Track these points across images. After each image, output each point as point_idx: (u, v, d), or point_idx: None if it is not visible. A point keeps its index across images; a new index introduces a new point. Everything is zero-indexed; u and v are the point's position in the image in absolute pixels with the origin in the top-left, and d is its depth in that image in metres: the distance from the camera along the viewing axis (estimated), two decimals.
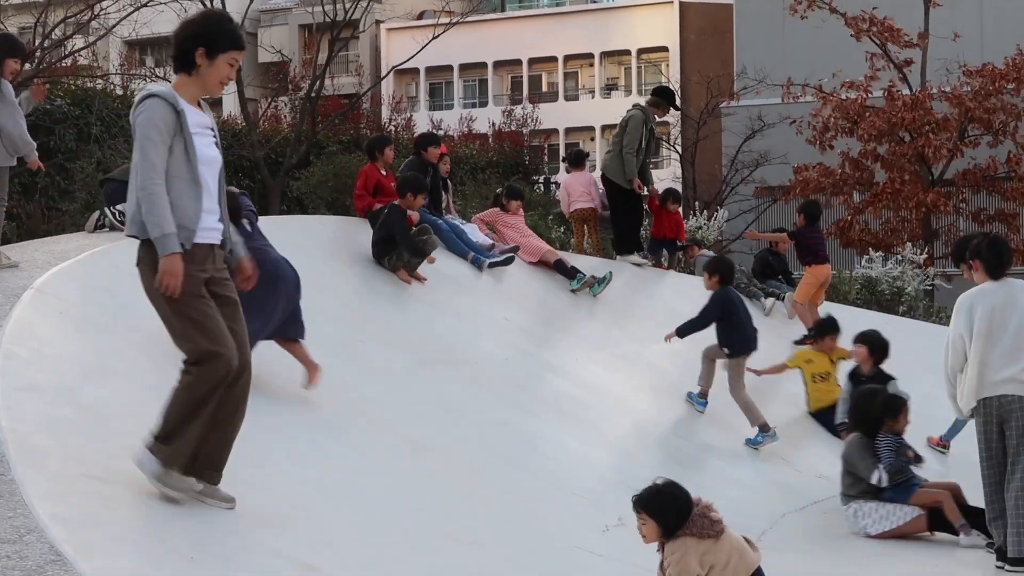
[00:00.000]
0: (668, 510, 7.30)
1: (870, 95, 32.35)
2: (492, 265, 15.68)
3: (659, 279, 18.49)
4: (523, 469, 11.08)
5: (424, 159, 16.50)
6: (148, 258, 7.13)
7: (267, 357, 10.12)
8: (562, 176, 22.52)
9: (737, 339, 13.88)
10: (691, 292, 18.40)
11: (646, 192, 18.37)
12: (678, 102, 19.95)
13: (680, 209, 19.79)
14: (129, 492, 7.19)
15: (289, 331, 10.33)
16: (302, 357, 10.34)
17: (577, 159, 19.55)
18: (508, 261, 15.85)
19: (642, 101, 18.90)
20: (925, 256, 27.05)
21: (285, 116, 32.07)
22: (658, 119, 18.41)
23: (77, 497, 6.87)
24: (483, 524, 9.34)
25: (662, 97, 18.52)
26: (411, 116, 42.46)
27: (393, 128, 31.45)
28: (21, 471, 6.85)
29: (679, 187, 30.28)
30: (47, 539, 6.16)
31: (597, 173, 19.24)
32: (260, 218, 15.03)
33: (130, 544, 6.59)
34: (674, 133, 44.14)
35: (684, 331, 14.09)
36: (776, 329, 17.65)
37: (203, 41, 7.22)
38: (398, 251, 14.22)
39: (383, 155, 16.04)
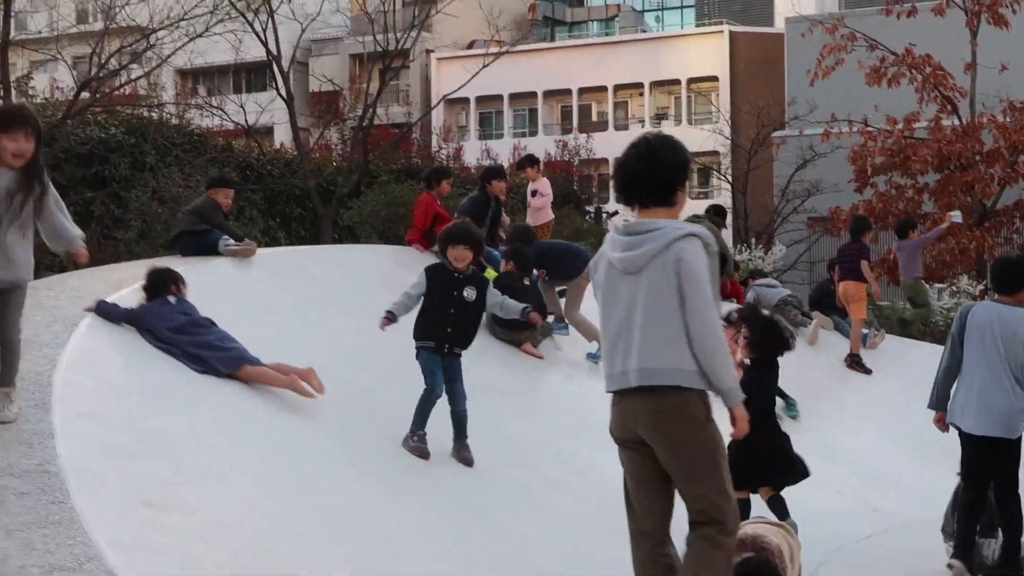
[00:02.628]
0: None
1: (914, 130, 32.18)
2: None
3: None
4: (574, 495, 11.07)
5: (488, 193, 16.61)
6: (695, 409, 6.49)
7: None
8: (611, 206, 22.66)
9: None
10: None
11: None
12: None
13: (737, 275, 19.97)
14: (187, 519, 7.22)
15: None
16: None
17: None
18: (563, 293, 15.86)
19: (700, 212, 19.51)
20: (981, 288, 26.90)
21: (336, 145, 32.21)
22: None
23: (135, 524, 6.90)
24: (536, 549, 9.33)
25: (720, 216, 18.98)
26: (461, 145, 42.60)
27: (444, 158, 31.52)
28: (80, 498, 6.89)
29: (730, 216, 30.25)
30: (106, 566, 6.20)
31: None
32: (311, 247, 15.22)
33: (186, 570, 6.62)
34: (724, 163, 44.08)
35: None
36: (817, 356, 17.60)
37: None
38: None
39: (439, 187, 16.17)
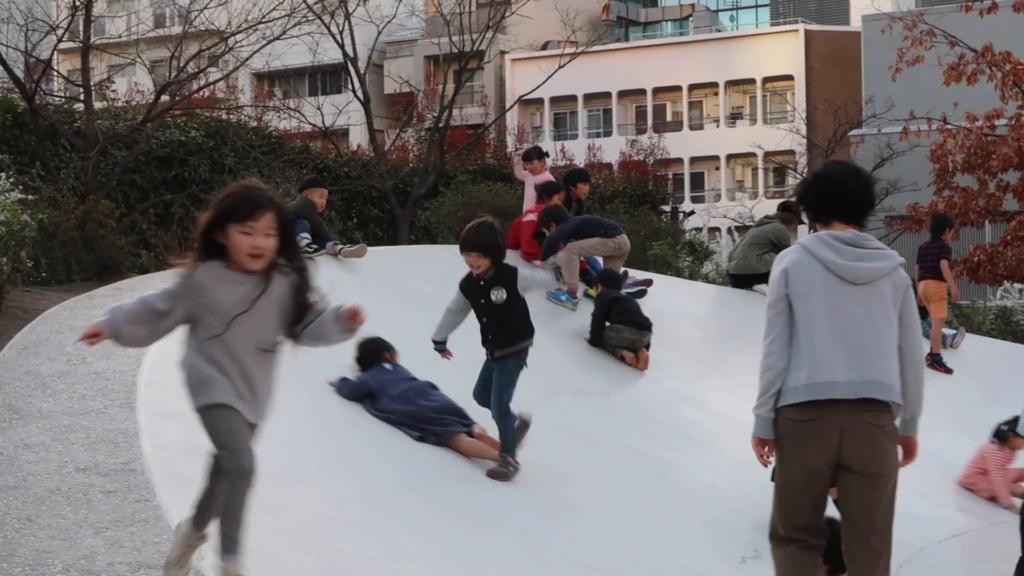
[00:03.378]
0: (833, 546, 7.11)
1: (995, 127, 31.82)
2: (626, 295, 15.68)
3: None
4: (654, 497, 11.03)
5: (573, 195, 16.63)
6: (894, 428, 6.61)
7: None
8: (686, 205, 22.63)
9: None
10: None
11: None
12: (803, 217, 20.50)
13: None
14: (268, 518, 7.26)
15: None
16: None
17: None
18: (641, 294, 15.82)
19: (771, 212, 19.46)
20: None
21: (412, 147, 32.32)
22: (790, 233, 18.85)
23: None
24: (616, 552, 9.30)
25: (794, 213, 18.90)
26: (536, 146, 42.59)
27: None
28: (166, 497, 6.95)
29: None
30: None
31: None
32: (388, 248, 15.28)
33: (270, 570, 6.65)
34: (801, 162, 43.83)
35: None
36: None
37: None
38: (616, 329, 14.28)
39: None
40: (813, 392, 6.40)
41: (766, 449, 6.60)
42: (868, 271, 6.49)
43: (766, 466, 6.70)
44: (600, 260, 16.35)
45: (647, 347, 14.28)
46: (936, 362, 18.29)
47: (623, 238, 15.38)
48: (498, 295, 9.84)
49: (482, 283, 9.91)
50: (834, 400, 6.38)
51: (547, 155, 18.01)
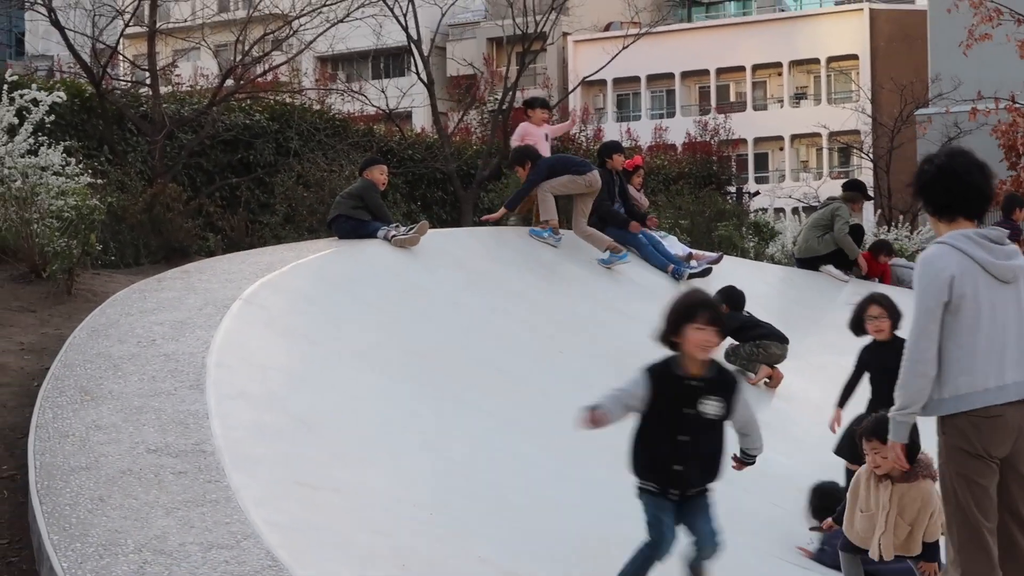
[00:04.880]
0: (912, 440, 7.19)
1: None
2: (692, 276, 15.62)
3: (852, 289, 18.23)
4: (729, 483, 10.97)
5: (609, 167, 16.45)
6: None
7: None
8: (751, 186, 22.53)
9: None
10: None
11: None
12: (870, 193, 20.59)
13: (889, 260, 19.58)
14: (338, 498, 7.28)
15: None
16: None
17: None
18: (706, 272, 15.76)
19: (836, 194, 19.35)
20: None
21: (476, 129, 32.31)
22: (855, 214, 18.75)
23: (290, 503, 6.97)
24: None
25: (857, 191, 18.80)
26: (600, 127, 42.49)
27: (584, 140, 31.44)
28: (236, 478, 6.98)
29: (873, 194, 29.87)
30: (263, 544, 6.27)
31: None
32: (452, 230, 15.28)
33: (341, 550, 6.67)
34: (866, 142, 43.52)
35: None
36: None
37: None
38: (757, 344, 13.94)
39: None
40: (988, 398, 6.33)
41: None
42: (1016, 269, 6.45)
43: (906, 468, 6.65)
44: (670, 247, 16.30)
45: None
46: None
47: (594, 175, 15.39)
48: (714, 407, 6.75)
49: (693, 383, 6.73)
50: (1006, 403, 6.35)
51: (548, 105, 17.78)
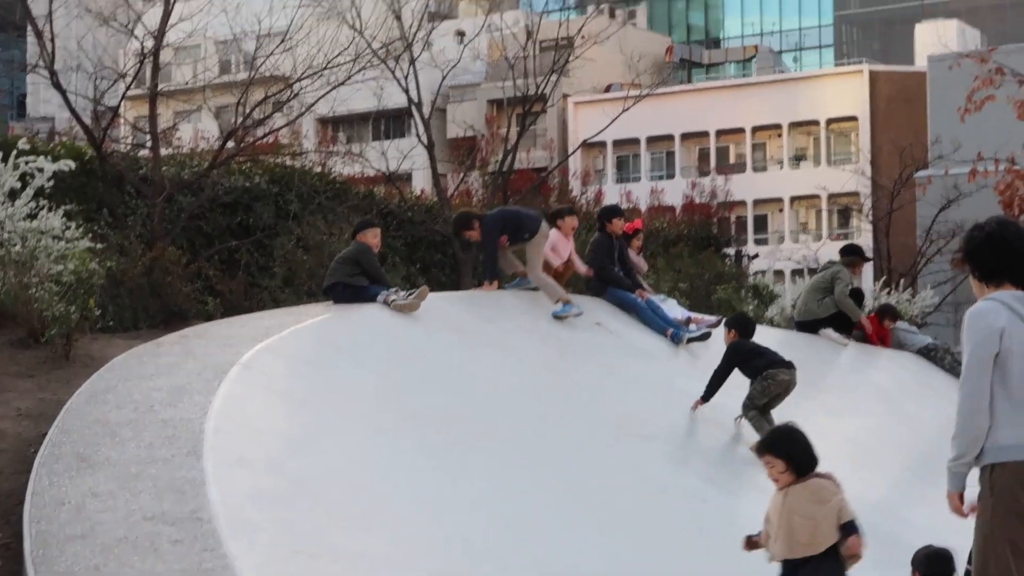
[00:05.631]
0: (797, 450, 7.67)
1: None
2: (691, 340, 15.58)
3: (852, 353, 18.20)
4: (724, 545, 10.91)
5: (609, 232, 16.42)
6: None
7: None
8: (750, 248, 22.50)
9: None
10: (885, 364, 18.10)
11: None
12: (867, 255, 20.62)
13: (893, 324, 19.56)
14: (338, 567, 7.24)
15: None
16: None
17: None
18: (706, 336, 15.72)
19: (836, 258, 19.39)
20: None
21: (476, 191, 32.39)
22: (855, 277, 18.79)
23: (287, 572, 6.93)
24: None
25: (856, 254, 18.88)
26: (600, 189, 42.61)
27: (585, 202, 31.53)
28: (233, 545, 6.94)
29: (873, 257, 29.90)
30: None
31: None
32: (452, 293, 15.24)
33: None
34: (866, 204, 43.60)
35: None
36: None
37: None
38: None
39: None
40: None
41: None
42: None
43: (964, 516, 6.70)
44: (669, 310, 16.23)
45: None
46: None
47: (545, 225, 15.35)
48: None
49: None
50: None
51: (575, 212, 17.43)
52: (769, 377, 13.53)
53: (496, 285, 15.34)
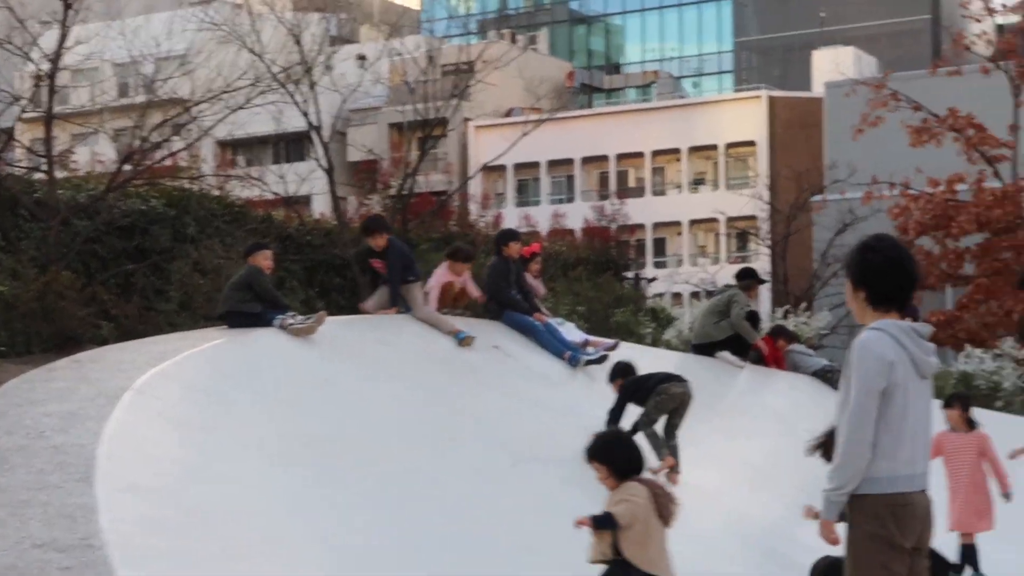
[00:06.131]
0: (615, 456, 8.03)
1: (956, 192, 32.20)
2: (588, 363, 15.65)
3: (749, 375, 18.36)
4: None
5: (506, 256, 16.46)
6: None
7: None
8: (649, 271, 22.61)
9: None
10: (781, 386, 18.28)
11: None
12: (762, 277, 20.79)
13: (788, 345, 19.75)
14: None
15: None
16: None
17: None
18: (603, 359, 15.80)
19: (732, 280, 19.52)
20: None
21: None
22: (751, 300, 18.93)
23: None
24: None
25: (751, 277, 19.08)
26: (500, 212, 42.67)
27: (484, 226, 31.58)
28: (125, 573, 6.86)
29: (770, 281, 30.20)
30: None
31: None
32: (349, 317, 15.18)
33: None
34: (763, 228, 44.05)
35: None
36: None
37: None
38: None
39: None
40: (901, 484, 6.49)
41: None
42: (934, 366, 6.67)
43: (838, 544, 6.63)
44: (567, 333, 16.32)
45: None
46: None
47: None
48: None
49: None
50: (916, 491, 6.56)
51: (471, 257, 17.36)
52: (662, 392, 13.55)
53: (395, 310, 15.35)
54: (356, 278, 23.81)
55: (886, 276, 6.64)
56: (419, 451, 11.55)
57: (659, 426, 13.47)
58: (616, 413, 13.53)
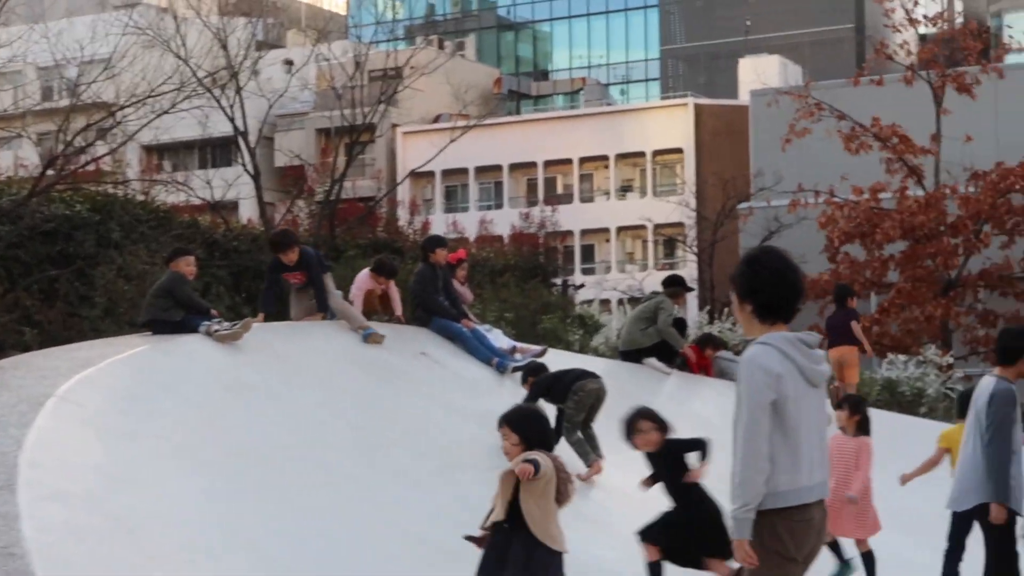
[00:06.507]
0: (531, 430, 8.02)
1: (880, 200, 32.55)
2: (516, 369, 15.64)
3: (675, 382, 18.43)
4: None
5: (433, 262, 16.46)
6: None
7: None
8: (577, 278, 22.70)
9: None
10: (709, 393, 18.36)
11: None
12: (689, 285, 20.98)
13: (715, 353, 19.88)
14: None
15: None
16: None
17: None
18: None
19: (659, 288, 19.56)
20: (950, 360, 26.98)
21: (303, 221, 32.21)
22: (678, 307, 19.08)
23: None
24: None
25: (678, 285, 19.19)
26: (428, 219, 42.65)
27: (411, 232, 31.56)
28: None
29: (697, 287, 30.37)
30: None
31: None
32: (276, 323, 15.09)
33: None
34: (690, 235, 44.28)
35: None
36: None
37: None
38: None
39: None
40: (802, 496, 6.51)
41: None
42: (824, 374, 6.68)
43: (755, 565, 6.54)
44: (494, 340, 16.33)
45: None
46: None
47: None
48: None
49: None
50: (812, 503, 6.57)
51: (395, 272, 17.30)
52: (578, 390, 13.58)
53: (320, 316, 15.26)
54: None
55: (772, 289, 6.62)
56: (345, 457, 11.50)
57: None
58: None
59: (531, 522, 7.85)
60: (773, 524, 6.48)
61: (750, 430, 6.47)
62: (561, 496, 8.00)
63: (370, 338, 14.97)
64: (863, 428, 13.20)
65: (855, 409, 13.28)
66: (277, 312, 14.92)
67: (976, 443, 9.93)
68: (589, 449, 13.40)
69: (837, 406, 13.34)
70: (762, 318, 6.63)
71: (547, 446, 8.15)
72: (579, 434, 13.46)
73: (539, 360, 14.40)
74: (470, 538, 8.30)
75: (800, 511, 6.49)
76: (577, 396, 13.53)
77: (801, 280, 6.74)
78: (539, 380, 13.80)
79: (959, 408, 13.05)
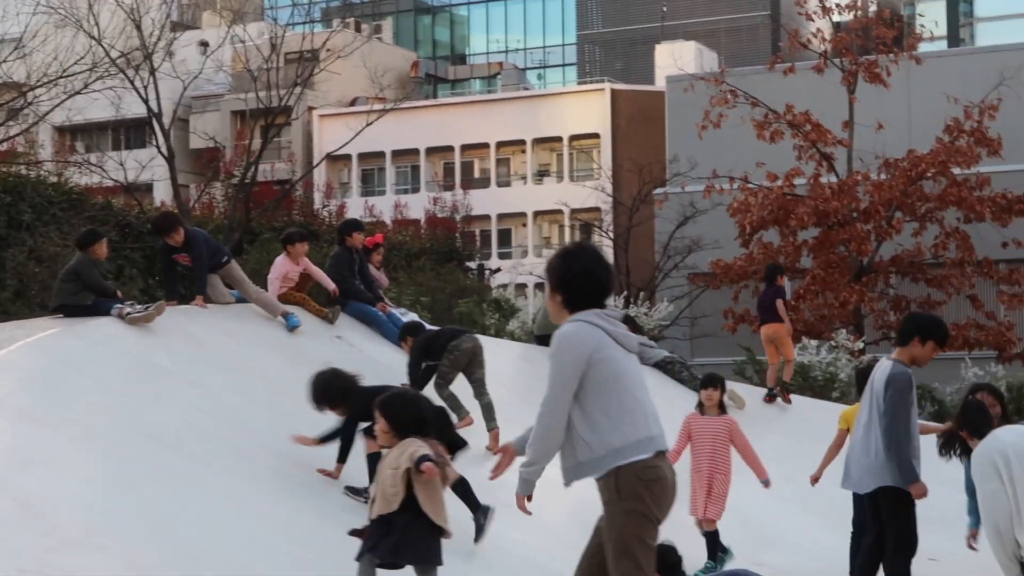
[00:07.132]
0: (401, 415, 8.11)
1: (794, 186, 32.83)
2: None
3: None
4: (468, 558, 10.98)
5: (349, 246, 16.41)
6: None
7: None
8: (494, 262, 22.68)
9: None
10: None
11: None
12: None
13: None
14: None
15: None
16: None
17: None
18: None
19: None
20: (861, 345, 27.25)
21: (218, 203, 32.00)
22: None
23: None
24: None
25: None
26: (344, 203, 42.48)
27: (327, 215, 31.43)
28: None
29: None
30: None
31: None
32: (190, 306, 14.95)
33: None
34: (606, 220, 44.42)
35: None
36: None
37: None
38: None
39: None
40: (641, 449, 6.77)
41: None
42: (635, 342, 7.01)
43: (530, 515, 7.12)
44: (403, 316, 16.34)
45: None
46: (786, 391, 19.78)
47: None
48: None
49: None
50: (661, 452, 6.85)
51: (306, 238, 17.14)
52: (453, 349, 13.67)
53: (200, 301, 14.85)
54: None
55: (583, 283, 6.96)
56: (260, 441, 11.47)
57: (456, 386, 13.55)
58: (414, 369, 13.66)
59: (430, 510, 8.01)
60: (629, 485, 6.74)
61: (551, 401, 6.83)
62: (445, 480, 8.17)
63: (296, 330, 14.90)
64: (723, 408, 13.22)
65: (724, 389, 13.27)
66: (183, 295, 14.68)
67: (872, 424, 10.04)
68: (460, 403, 13.48)
69: (704, 385, 13.20)
70: (571, 309, 6.96)
71: (420, 432, 8.16)
72: (450, 389, 13.56)
73: (416, 320, 14.51)
74: (354, 532, 8.32)
75: (649, 470, 6.75)
76: (453, 355, 13.70)
77: (610, 277, 7.12)
78: (417, 341, 13.87)
79: (858, 386, 13.19)
